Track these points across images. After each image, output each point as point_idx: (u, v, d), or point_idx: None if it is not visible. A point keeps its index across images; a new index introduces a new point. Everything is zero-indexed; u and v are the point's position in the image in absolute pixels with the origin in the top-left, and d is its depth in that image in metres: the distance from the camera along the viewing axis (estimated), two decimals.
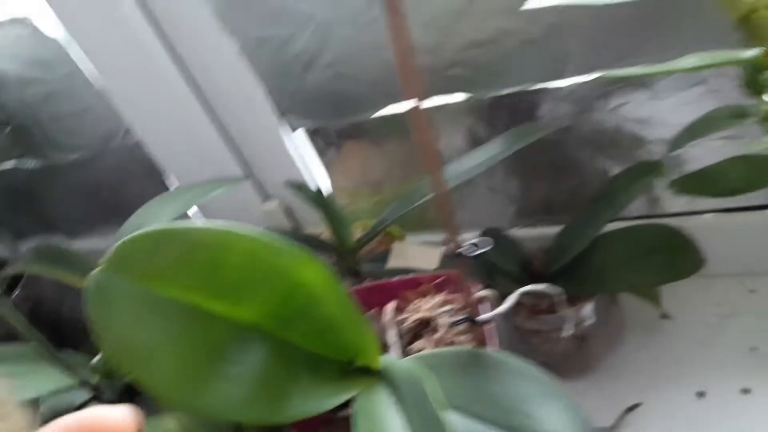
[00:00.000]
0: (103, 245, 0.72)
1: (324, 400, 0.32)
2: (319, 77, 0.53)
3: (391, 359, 0.35)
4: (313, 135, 0.60)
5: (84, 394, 0.49)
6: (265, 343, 0.31)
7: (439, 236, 0.55)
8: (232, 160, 0.60)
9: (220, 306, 0.30)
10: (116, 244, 0.28)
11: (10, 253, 0.70)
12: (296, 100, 0.56)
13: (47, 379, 0.47)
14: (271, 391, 0.31)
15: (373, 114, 0.54)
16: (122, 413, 0.18)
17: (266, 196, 0.64)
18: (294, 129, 0.59)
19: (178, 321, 0.29)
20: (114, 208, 0.71)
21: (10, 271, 0.66)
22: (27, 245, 0.72)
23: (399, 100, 0.53)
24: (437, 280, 0.45)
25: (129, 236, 0.28)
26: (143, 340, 0.27)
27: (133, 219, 0.50)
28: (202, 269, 0.29)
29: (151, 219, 0.49)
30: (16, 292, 0.66)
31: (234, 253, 0.29)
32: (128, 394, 0.49)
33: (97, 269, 0.27)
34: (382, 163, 0.61)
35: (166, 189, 0.66)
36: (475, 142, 0.53)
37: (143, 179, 0.67)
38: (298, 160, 0.60)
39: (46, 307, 0.70)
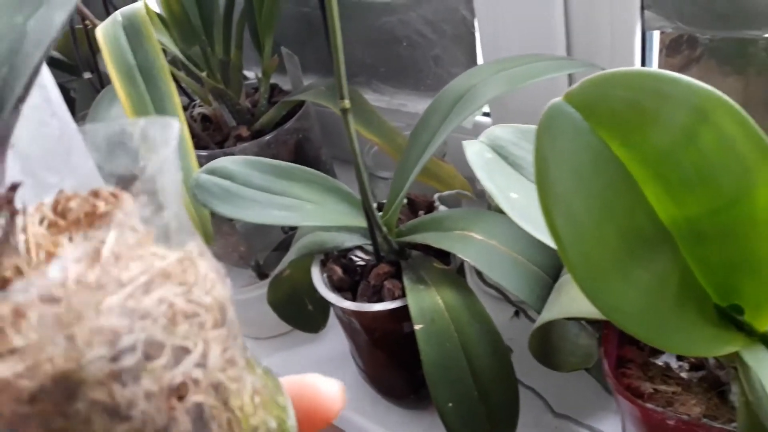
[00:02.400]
0: (381, 101, 0.70)
1: (704, 343, 0.26)
2: None
3: None
4: (670, 44, 0.50)
5: (356, 239, 0.47)
6: (669, 255, 0.25)
7: None
8: (563, 46, 0.53)
9: (656, 191, 0.24)
10: (584, 79, 0.22)
11: (294, 84, 0.70)
12: None
13: (334, 212, 0.46)
14: (660, 311, 0.25)
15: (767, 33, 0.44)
16: (334, 388, 0.18)
17: None
18: (648, 29, 0.50)
19: (613, 191, 0.23)
20: (405, 66, 0.68)
21: (294, 97, 0.67)
22: (308, 81, 0.72)
23: None
24: None
25: (602, 73, 0.22)
26: (576, 194, 0.22)
27: (464, 77, 0.45)
28: (670, 139, 0.23)
29: (482, 85, 0.44)
30: (291, 122, 0.67)
31: (709, 127, 0.22)
32: (401, 255, 0.46)
33: (560, 98, 0.22)
34: (732, 97, 0.50)
35: (473, 59, 0.61)
36: None
37: (451, 44, 0.62)
38: (636, 66, 0.51)
39: (310, 144, 0.70)
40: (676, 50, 0.51)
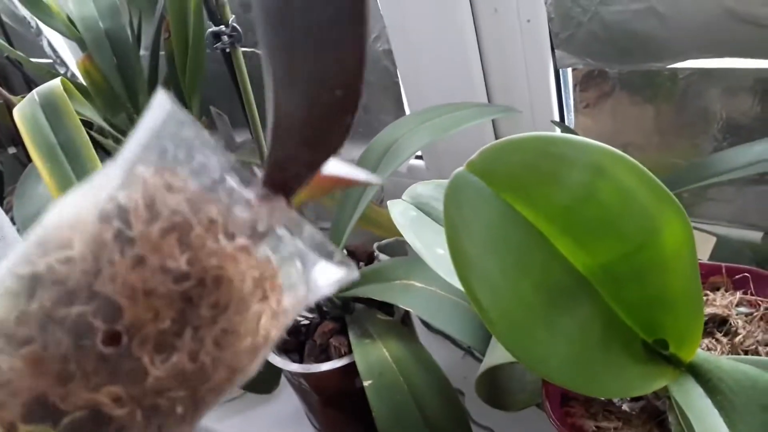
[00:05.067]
0: None
1: (632, 383, 0.27)
2: (621, 11, 0.45)
3: (709, 356, 0.29)
4: (583, 79, 0.53)
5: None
6: (590, 300, 0.26)
7: None
8: (482, 89, 0.54)
9: (566, 244, 0.25)
10: (484, 148, 0.23)
11: (226, 142, 0.70)
12: (579, 35, 0.49)
13: None
14: (587, 358, 0.26)
15: (672, 64, 0.46)
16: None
17: (499, 137, 0.58)
18: (561, 67, 0.52)
19: (525, 249, 0.24)
20: None
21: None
22: (241, 138, 0.72)
23: (714, 55, 0.44)
24: (737, 275, 0.38)
25: (501, 141, 0.23)
26: (488, 256, 0.23)
27: (389, 130, 0.46)
28: (571, 196, 0.24)
29: (407, 137, 0.45)
30: None
31: (607, 181, 0.23)
32: (345, 309, 0.46)
33: (461, 168, 0.23)
34: (645, 125, 0.53)
35: (400, 106, 0.63)
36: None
37: (377, 93, 0.63)
38: (553, 103, 0.54)
39: None
40: (589, 85, 0.53)
